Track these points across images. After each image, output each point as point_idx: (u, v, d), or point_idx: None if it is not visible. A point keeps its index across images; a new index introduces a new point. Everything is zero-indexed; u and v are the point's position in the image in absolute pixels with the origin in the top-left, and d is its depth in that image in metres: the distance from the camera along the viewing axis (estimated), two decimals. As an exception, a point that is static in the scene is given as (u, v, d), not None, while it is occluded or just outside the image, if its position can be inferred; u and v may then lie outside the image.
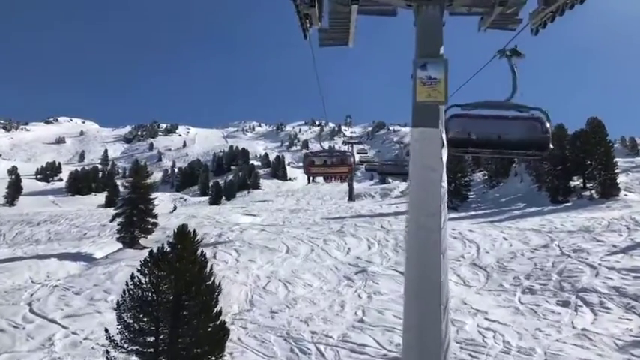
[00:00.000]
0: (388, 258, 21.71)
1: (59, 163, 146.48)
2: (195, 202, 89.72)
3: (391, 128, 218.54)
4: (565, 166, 37.22)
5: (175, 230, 9.72)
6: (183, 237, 9.47)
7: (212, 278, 9.95)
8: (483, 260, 20.19)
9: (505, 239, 23.75)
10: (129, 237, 24.23)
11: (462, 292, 16.68)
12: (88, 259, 23.63)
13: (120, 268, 20.37)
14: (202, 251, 9.97)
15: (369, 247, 23.79)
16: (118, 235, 24.72)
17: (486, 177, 56.30)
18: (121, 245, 24.75)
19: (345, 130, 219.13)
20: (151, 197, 25.45)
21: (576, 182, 38.05)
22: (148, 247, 24.83)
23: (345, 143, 49.61)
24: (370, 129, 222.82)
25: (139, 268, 9.45)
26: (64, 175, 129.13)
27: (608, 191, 34.13)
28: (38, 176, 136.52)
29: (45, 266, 21.79)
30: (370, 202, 58.06)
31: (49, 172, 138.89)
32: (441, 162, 4.42)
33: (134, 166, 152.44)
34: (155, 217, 25.55)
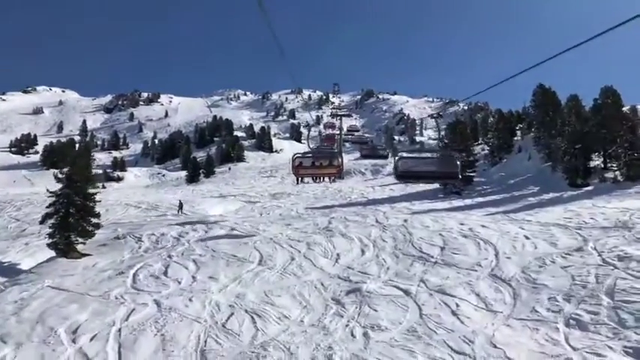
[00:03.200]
0: (386, 267, 17.35)
1: (35, 135, 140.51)
2: (173, 179, 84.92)
3: (380, 96, 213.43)
4: (584, 144, 32.59)
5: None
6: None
7: None
8: (505, 270, 15.92)
9: (527, 238, 19.77)
10: (63, 243, 19.26)
11: (485, 323, 12.19)
12: (9, 272, 18.72)
13: (39, 293, 15.57)
14: None
15: (363, 252, 19.39)
16: (49, 241, 19.62)
17: (486, 152, 52.28)
18: (54, 253, 19.82)
19: (333, 98, 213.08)
20: (91, 192, 20.37)
21: (596, 162, 33.56)
22: (87, 255, 19.92)
23: (332, 115, 45.06)
24: (359, 97, 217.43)
25: None
26: (41, 147, 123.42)
27: (636, 173, 29.74)
28: (12, 149, 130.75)
29: (-53, 287, 16.88)
30: (360, 180, 53.80)
31: (23, 144, 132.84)
32: None
33: (113, 137, 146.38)
34: (98, 215, 20.55)
